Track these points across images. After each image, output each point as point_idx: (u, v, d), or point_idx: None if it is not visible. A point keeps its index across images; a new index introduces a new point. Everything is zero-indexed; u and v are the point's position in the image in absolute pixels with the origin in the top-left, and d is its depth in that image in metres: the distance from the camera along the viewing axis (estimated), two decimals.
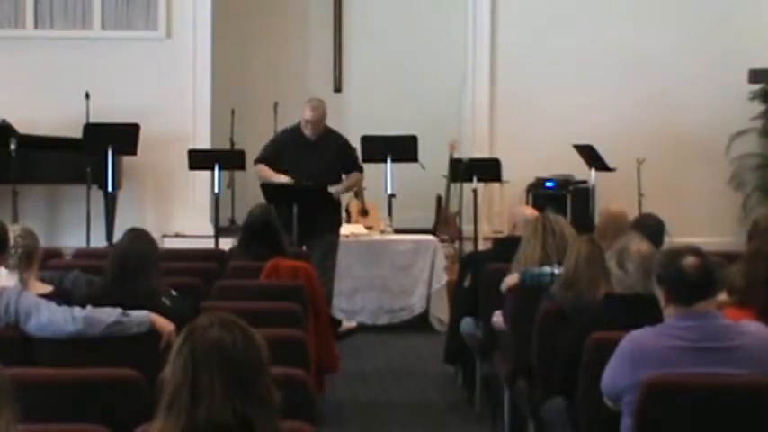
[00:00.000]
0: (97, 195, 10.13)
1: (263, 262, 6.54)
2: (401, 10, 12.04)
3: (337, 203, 8.80)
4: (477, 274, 6.88)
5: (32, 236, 5.19)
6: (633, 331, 3.96)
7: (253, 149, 9.14)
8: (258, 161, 8.80)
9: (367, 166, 10.09)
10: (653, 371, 3.81)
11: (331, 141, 8.68)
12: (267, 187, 8.53)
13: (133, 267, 5.00)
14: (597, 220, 7.59)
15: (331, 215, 8.64)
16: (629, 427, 3.88)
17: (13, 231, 5.12)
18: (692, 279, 3.85)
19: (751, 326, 3.94)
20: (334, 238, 8.68)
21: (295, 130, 8.76)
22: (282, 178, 8.49)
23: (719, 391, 3.82)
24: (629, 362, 3.89)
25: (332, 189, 8.55)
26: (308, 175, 8.46)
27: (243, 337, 2.68)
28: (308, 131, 8.59)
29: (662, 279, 3.93)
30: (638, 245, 4.58)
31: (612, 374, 3.97)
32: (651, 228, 6.07)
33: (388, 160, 9.85)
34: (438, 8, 11.91)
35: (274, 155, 8.69)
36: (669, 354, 3.83)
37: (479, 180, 10.06)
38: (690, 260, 3.85)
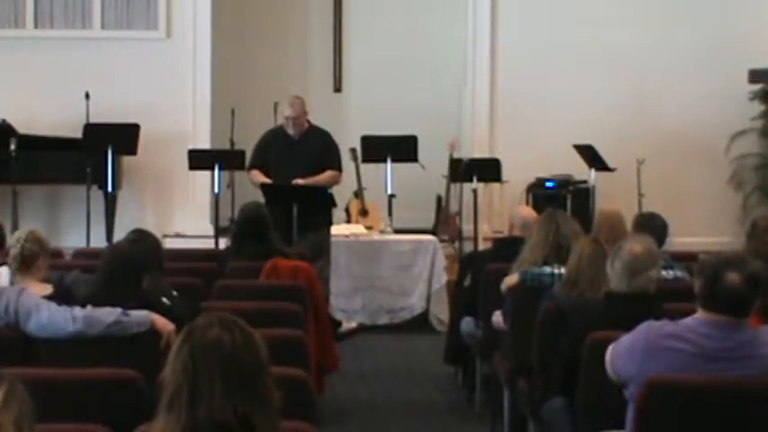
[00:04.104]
0: (97, 195, 10.11)
1: (257, 261, 6.53)
2: (401, 10, 12.03)
3: (327, 204, 8.67)
4: (477, 274, 6.88)
5: (36, 241, 5.17)
6: (653, 322, 3.93)
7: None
8: (250, 167, 8.85)
9: (367, 166, 10.11)
10: (660, 369, 3.80)
11: (315, 138, 8.68)
12: (266, 188, 8.53)
13: (121, 269, 4.90)
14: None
15: (318, 215, 8.53)
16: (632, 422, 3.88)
17: (19, 235, 5.16)
18: (724, 292, 3.75)
19: None
20: (322, 237, 8.64)
21: (278, 130, 8.80)
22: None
23: (720, 392, 3.81)
24: (640, 352, 3.87)
25: (299, 181, 8.50)
26: (294, 174, 8.45)
27: (242, 336, 2.68)
28: (291, 130, 8.62)
29: (698, 274, 3.86)
30: (632, 245, 4.55)
31: (622, 357, 3.93)
32: (654, 228, 6.05)
33: (388, 160, 9.84)
34: (438, 8, 11.90)
35: (261, 157, 8.73)
36: (680, 358, 3.80)
37: (479, 180, 10.05)
38: (734, 276, 3.73)
